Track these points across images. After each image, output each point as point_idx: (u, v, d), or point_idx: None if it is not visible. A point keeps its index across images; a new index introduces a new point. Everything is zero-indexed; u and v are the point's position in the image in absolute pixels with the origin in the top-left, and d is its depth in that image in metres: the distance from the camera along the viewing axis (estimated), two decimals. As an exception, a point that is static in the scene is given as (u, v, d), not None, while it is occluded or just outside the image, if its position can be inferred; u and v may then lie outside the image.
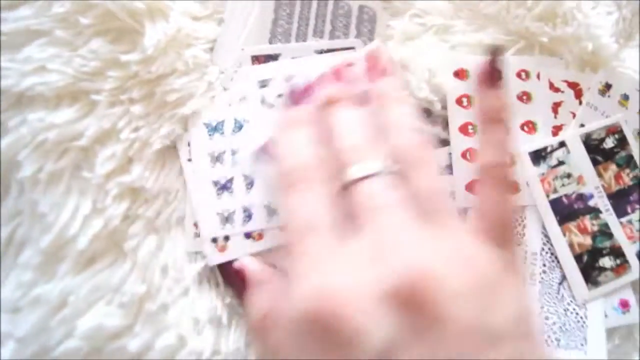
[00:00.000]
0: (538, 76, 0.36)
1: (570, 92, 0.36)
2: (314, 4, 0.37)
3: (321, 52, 0.36)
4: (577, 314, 0.34)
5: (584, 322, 0.34)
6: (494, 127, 0.29)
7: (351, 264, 0.25)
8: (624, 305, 0.34)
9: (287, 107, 0.33)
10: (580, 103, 0.36)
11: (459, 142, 0.35)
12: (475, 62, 0.35)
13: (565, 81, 0.36)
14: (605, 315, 0.34)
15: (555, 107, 0.36)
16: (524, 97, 0.36)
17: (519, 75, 0.36)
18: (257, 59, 0.36)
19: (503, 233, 0.27)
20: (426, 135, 0.30)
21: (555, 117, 0.36)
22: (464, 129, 0.35)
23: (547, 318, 0.33)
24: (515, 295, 0.25)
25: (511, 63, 0.36)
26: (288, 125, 0.31)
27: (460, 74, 0.36)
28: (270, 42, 0.36)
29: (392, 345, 0.22)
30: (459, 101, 0.35)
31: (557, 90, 0.36)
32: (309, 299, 0.23)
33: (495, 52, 0.29)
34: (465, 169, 0.35)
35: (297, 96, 0.33)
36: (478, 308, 0.23)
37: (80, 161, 0.30)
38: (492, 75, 0.29)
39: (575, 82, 0.36)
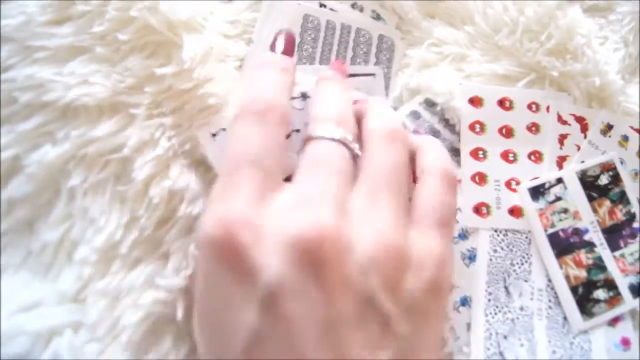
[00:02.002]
0: (547, 109, 0.38)
1: (576, 126, 0.38)
2: (337, 31, 0.39)
3: (343, 75, 0.39)
4: (581, 347, 0.35)
5: (589, 355, 0.35)
6: (437, 141, 0.33)
7: (271, 205, 0.25)
8: (625, 343, 0.36)
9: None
10: (585, 137, 0.38)
11: (469, 166, 0.37)
12: (489, 91, 0.38)
13: (573, 115, 0.38)
14: (608, 352, 0.35)
15: (562, 139, 0.38)
16: (533, 128, 0.38)
17: (529, 107, 0.38)
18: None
19: (442, 221, 0.28)
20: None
21: (561, 149, 0.38)
22: (474, 154, 0.37)
23: (554, 352, 0.35)
24: (423, 281, 0.26)
25: (523, 95, 0.38)
26: (274, 65, 0.31)
27: (474, 101, 0.38)
28: (296, 64, 0.38)
29: (281, 289, 0.23)
30: (471, 127, 0.37)
31: (564, 123, 0.38)
32: (219, 222, 0.24)
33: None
34: (473, 192, 0.37)
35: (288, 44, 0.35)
36: (376, 287, 0.24)
37: (120, 172, 0.32)
38: None
39: (582, 117, 0.39)
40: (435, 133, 0.38)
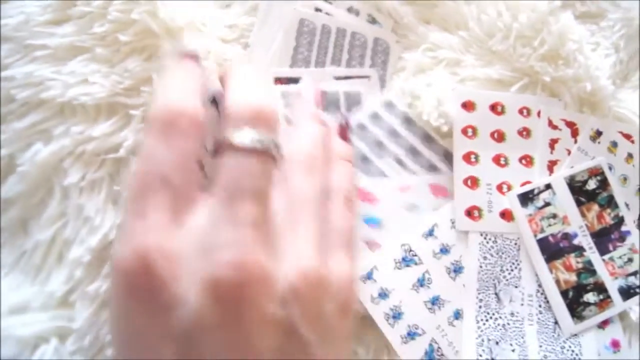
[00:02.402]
0: (538, 114, 0.39)
1: (567, 131, 0.39)
2: (333, 35, 0.39)
3: (338, 78, 0.39)
4: (572, 350, 0.36)
5: (580, 358, 0.36)
6: (344, 163, 0.33)
7: (186, 229, 0.24)
8: (615, 345, 0.36)
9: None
10: (576, 142, 0.39)
11: (461, 170, 0.38)
12: (482, 96, 0.38)
13: (564, 120, 0.39)
14: (598, 354, 0.36)
15: (552, 143, 0.39)
16: (524, 133, 0.39)
17: (520, 112, 0.39)
18: (279, 81, 0.38)
19: (348, 244, 0.29)
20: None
21: (552, 153, 0.39)
22: (466, 158, 0.38)
23: (545, 356, 0.35)
24: (339, 308, 0.26)
25: (514, 100, 0.39)
26: (171, 69, 0.28)
27: (467, 106, 0.38)
28: (291, 67, 0.39)
29: (199, 327, 0.22)
30: (464, 131, 0.38)
31: (555, 127, 0.39)
32: (132, 252, 0.22)
33: (346, 122, 0.36)
34: (465, 195, 0.37)
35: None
36: (297, 318, 0.24)
37: (116, 172, 0.33)
38: (346, 134, 0.36)
39: (573, 122, 0.39)
40: (395, 134, 0.38)
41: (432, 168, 0.38)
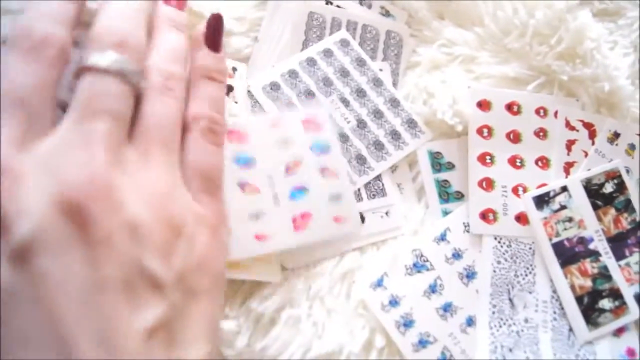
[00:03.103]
0: (555, 114, 0.38)
1: (584, 132, 0.38)
2: (343, 28, 0.38)
3: (348, 73, 0.38)
4: (587, 359, 0.35)
5: None
6: (208, 83, 0.29)
7: (34, 150, 0.23)
8: (631, 353, 0.36)
9: None
10: (593, 143, 0.38)
11: (476, 171, 0.36)
12: (498, 94, 0.37)
13: (581, 121, 0.38)
14: None
15: (569, 144, 0.38)
16: (541, 134, 0.37)
17: (537, 112, 0.37)
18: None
19: (210, 182, 0.27)
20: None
21: (568, 155, 0.37)
22: (481, 159, 0.37)
23: None
24: (195, 251, 0.24)
25: (531, 100, 0.38)
26: None
27: (483, 105, 0.37)
28: (301, 62, 0.37)
29: (36, 243, 0.21)
30: (479, 131, 0.37)
31: (572, 128, 0.38)
32: None
33: (217, 19, 0.30)
34: (480, 198, 0.36)
35: None
36: (146, 252, 0.22)
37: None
38: (215, 38, 0.30)
39: (590, 123, 0.38)
40: (345, 73, 0.36)
41: (378, 113, 0.36)
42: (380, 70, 0.38)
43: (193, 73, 0.29)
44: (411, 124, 0.37)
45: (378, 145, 0.36)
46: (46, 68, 0.24)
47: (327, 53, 0.37)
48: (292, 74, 0.36)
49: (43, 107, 0.24)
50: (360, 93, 0.36)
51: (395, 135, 0.36)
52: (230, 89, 0.34)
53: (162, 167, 0.25)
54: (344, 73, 0.36)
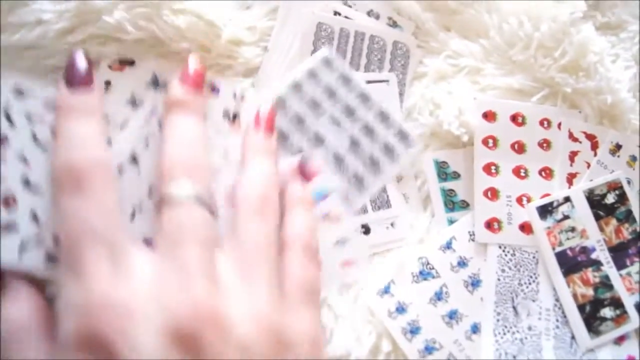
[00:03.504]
0: (559, 126, 0.38)
1: (587, 143, 0.39)
2: (351, 39, 0.38)
3: (356, 84, 0.38)
4: (590, 367, 0.36)
5: None
6: (301, 210, 0.30)
7: (132, 279, 0.23)
8: (632, 362, 0.36)
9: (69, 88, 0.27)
10: (595, 154, 0.39)
11: (482, 181, 0.37)
12: (503, 106, 0.37)
13: (584, 132, 0.39)
14: None
15: (572, 155, 0.38)
16: (544, 145, 0.38)
17: (541, 123, 0.38)
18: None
19: (310, 295, 0.27)
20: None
21: (571, 165, 0.38)
22: (487, 169, 0.37)
23: None
24: None
25: (535, 111, 0.38)
26: (75, 107, 0.26)
27: (488, 116, 0.38)
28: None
29: None
30: (485, 142, 0.37)
31: (575, 140, 0.38)
32: (80, 311, 0.22)
33: (305, 158, 0.32)
34: (485, 207, 0.37)
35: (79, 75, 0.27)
36: None
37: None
38: (307, 171, 0.32)
39: (593, 134, 0.39)
40: (331, 93, 0.36)
41: (369, 130, 0.36)
42: (387, 81, 0.38)
43: (289, 200, 0.30)
44: (402, 135, 0.37)
45: (374, 162, 0.36)
46: (101, 196, 0.24)
47: (312, 74, 0.37)
48: (280, 102, 0.36)
49: (117, 233, 0.24)
50: (349, 111, 0.37)
51: (388, 149, 0.37)
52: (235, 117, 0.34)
53: (263, 285, 0.25)
54: (330, 93, 0.37)
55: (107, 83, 0.31)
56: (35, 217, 0.26)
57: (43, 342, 0.24)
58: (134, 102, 0.31)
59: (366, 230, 0.36)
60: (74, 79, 0.27)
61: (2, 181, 0.26)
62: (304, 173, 0.32)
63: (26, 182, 0.27)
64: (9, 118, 0.27)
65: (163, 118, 0.29)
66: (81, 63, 0.27)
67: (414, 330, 0.34)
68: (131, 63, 0.32)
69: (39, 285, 0.26)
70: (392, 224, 0.36)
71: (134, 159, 0.28)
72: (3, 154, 0.26)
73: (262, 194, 0.28)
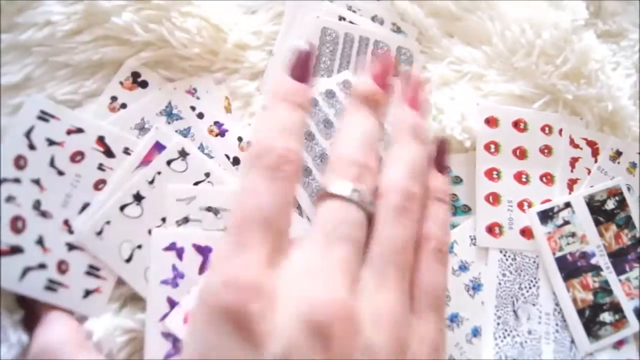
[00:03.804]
0: (560, 132, 0.39)
1: (588, 150, 0.39)
2: (356, 44, 0.39)
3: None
4: (589, 371, 0.36)
5: None
6: (437, 204, 0.29)
7: (282, 270, 0.24)
8: (631, 366, 0.37)
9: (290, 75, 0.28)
10: (596, 161, 0.39)
11: (483, 186, 0.37)
12: (505, 112, 0.38)
13: (585, 139, 0.39)
14: None
15: (573, 161, 0.39)
16: (546, 151, 0.39)
17: (543, 129, 0.39)
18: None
19: (437, 300, 0.27)
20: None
21: (572, 172, 0.39)
22: (488, 174, 0.38)
23: None
24: None
25: (537, 118, 0.39)
26: (286, 99, 0.27)
27: (490, 122, 0.38)
28: (314, 77, 0.38)
29: (290, 358, 0.22)
30: (487, 147, 0.38)
31: (576, 146, 0.39)
32: (229, 286, 0.23)
33: (444, 144, 0.31)
34: (486, 212, 0.37)
35: (303, 65, 0.28)
36: None
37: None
38: (443, 162, 0.31)
39: (594, 141, 0.39)
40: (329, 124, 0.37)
41: None
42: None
43: (430, 195, 0.29)
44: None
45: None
46: (287, 186, 0.25)
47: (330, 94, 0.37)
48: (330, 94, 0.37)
49: (286, 226, 0.25)
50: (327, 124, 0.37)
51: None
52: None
53: (396, 290, 0.25)
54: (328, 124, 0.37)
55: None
56: (41, 242, 0.27)
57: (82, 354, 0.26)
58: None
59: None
60: (299, 71, 0.28)
61: (15, 204, 0.26)
62: (439, 165, 0.31)
63: (37, 206, 0.27)
64: (30, 140, 0.28)
65: (346, 107, 0.29)
66: (308, 60, 0.29)
67: (415, 333, 0.34)
68: (143, 85, 0.33)
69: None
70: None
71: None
72: (20, 175, 0.27)
73: (408, 189, 0.27)
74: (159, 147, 0.32)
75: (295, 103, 0.27)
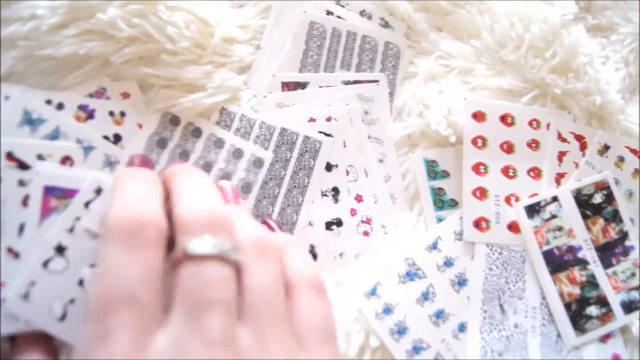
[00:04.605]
0: (548, 126, 0.39)
1: (576, 144, 0.39)
2: (343, 38, 0.39)
3: (347, 83, 0.38)
4: (575, 364, 0.36)
5: None
6: (295, 249, 0.28)
7: (151, 351, 0.21)
8: (617, 359, 0.37)
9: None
10: (584, 155, 0.39)
11: (470, 180, 0.37)
12: (492, 106, 0.38)
13: (573, 133, 0.39)
14: None
15: (561, 155, 0.39)
16: (533, 145, 0.38)
17: (530, 123, 0.39)
18: (286, 86, 0.38)
19: (327, 334, 0.26)
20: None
21: (559, 165, 0.39)
22: (476, 168, 0.38)
23: None
24: None
25: (524, 112, 0.39)
26: (128, 176, 0.26)
27: (478, 116, 0.38)
28: (300, 71, 0.38)
29: None
30: (474, 141, 0.38)
31: (564, 140, 0.39)
32: None
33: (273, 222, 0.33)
34: (473, 206, 0.37)
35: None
36: None
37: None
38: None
39: (581, 135, 0.39)
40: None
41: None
42: (377, 81, 0.39)
43: (280, 241, 0.28)
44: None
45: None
46: (150, 253, 0.23)
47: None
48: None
49: (154, 298, 0.22)
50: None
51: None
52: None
53: (278, 341, 0.24)
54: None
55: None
56: (26, 297, 0.26)
57: None
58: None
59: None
60: (134, 163, 0.28)
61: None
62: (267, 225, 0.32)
63: (45, 265, 0.26)
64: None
65: (168, 184, 0.27)
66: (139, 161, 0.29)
67: (401, 330, 0.34)
68: None
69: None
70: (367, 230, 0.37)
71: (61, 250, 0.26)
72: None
73: (259, 236, 0.26)
74: (51, 190, 0.27)
75: (146, 178, 0.26)
